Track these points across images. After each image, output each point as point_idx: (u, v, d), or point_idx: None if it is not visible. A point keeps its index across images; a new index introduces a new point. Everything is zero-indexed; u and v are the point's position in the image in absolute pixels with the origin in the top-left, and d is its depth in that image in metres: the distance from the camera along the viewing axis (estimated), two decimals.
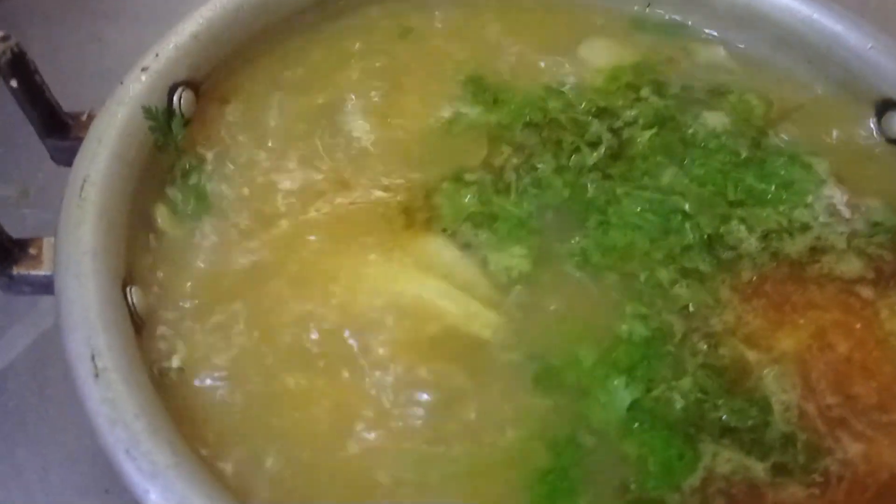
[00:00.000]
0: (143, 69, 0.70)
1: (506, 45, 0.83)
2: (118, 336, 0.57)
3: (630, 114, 0.76)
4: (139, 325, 0.61)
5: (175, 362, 0.61)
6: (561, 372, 0.61)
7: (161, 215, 0.68)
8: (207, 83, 0.74)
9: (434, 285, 0.66)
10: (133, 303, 0.60)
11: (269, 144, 0.74)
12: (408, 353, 0.62)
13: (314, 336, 0.63)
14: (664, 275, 0.66)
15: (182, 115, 0.71)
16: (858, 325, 0.65)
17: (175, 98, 0.71)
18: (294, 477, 0.56)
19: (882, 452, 0.59)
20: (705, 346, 0.62)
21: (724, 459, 0.57)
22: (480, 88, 0.78)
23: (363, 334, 0.63)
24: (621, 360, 0.60)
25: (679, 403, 0.58)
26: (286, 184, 0.72)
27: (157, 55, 0.71)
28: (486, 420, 0.59)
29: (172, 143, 0.70)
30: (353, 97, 0.78)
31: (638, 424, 0.57)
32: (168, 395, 0.59)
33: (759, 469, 0.57)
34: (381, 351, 0.62)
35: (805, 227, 0.70)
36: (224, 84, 0.76)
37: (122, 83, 0.69)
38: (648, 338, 0.61)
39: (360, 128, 0.76)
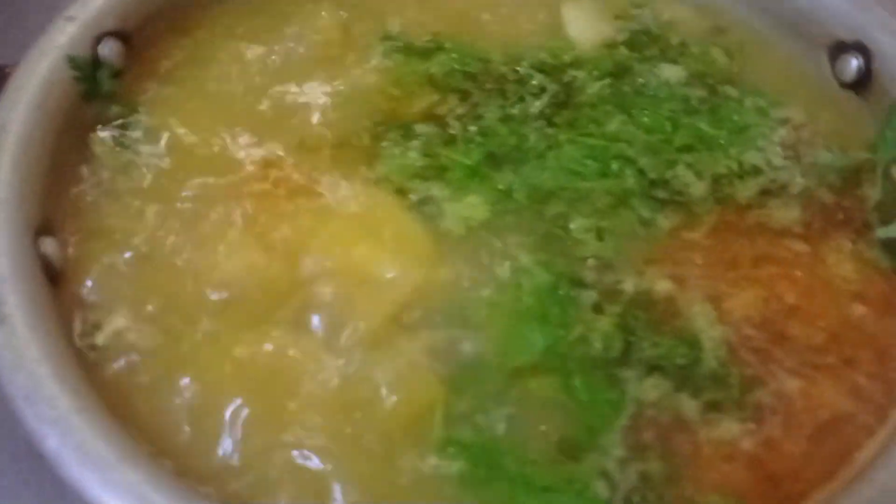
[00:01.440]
0: (69, 18, 0.68)
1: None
2: (25, 285, 0.55)
3: (578, 74, 0.73)
4: (55, 276, 0.59)
5: (106, 328, 0.59)
6: (480, 323, 0.59)
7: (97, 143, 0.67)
8: (140, 34, 0.72)
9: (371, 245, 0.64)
10: (47, 253, 0.58)
11: (205, 98, 0.71)
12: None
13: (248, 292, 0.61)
14: (593, 220, 0.64)
15: (110, 66, 0.69)
16: (804, 272, 0.62)
17: (102, 48, 0.68)
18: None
19: (823, 392, 0.57)
20: (631, 288, 0.60)
21: (653, 395, 0.55)
22: (417, 38, 0.75)
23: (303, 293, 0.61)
24: (533, 305, 0.58)
25: (598, 344, 0.56)
26: (221, 139, 0.69)
27: (84, 4, 0.69)
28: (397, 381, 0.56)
29: (99, 93, 0.68)
30: (298, 51, 0.75)
31: (551, 370, 0.55)
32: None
33: (691, 406, 0.55)
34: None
35: (756, 171, 0.68)
36: (159, 35, 0.73)
37: (45, 32, 0.67)
38: (553, 282, 0.59)
39: (302, 83, 0.73)
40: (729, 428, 0.54)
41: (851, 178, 0.68)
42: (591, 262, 0.61)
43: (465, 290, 0.60)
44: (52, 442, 0.48)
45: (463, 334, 0.58)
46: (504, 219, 0.64)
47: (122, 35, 0.70)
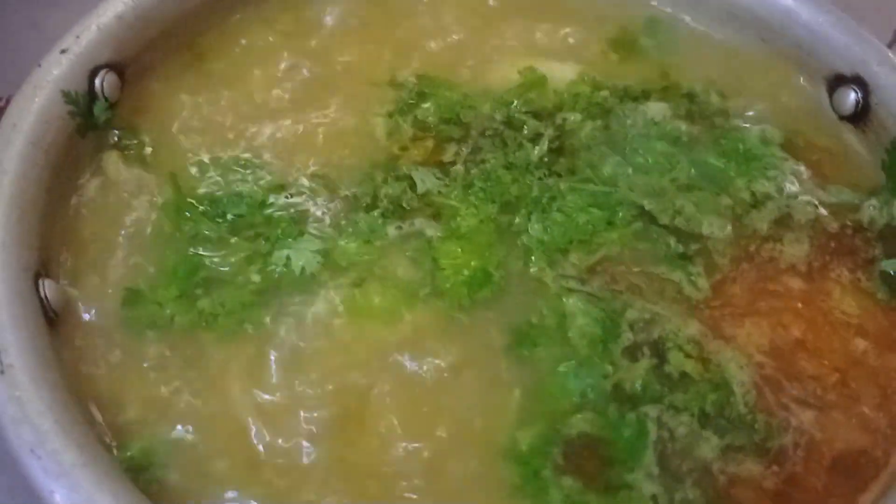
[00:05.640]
0: (63, 51, 0.66)
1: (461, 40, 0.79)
2: (27, 332, 0.53)
3: (571, 117, 0.73)
4: (53, 319, 0.57)
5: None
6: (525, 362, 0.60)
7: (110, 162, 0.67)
8: (135, 65, 0.71)
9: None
10: (46, 296, 0.57)
11: (203, 128, 0.70)
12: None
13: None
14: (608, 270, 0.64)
15: (105, 99, 0.67)
16: (810, 307, 0.64)
17: (97, 81, 0.67)
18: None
19: (837, 424, 0.58)
20: (667, 337, 0.61)
21: (681, 431, 0.57)
22: (413, 88, 0.74)
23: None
24: (575, 351, 0.59)
25: (636, 385, 0.58)
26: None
27: (77, 37, 0.67)
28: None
29: (95, 126, 0.67)
30: (283, 90, 0.74)
31: (590, 409, 0.57)
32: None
33: (716, 444, 0.56)
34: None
35: (768, 198, 0.68)
36: (154, 65, 0.72)
37: (39, 66, 0.66)
38: (600, 326, 0.60)
39: (300, 120, 0.72)
40: (751, 468, 0.56)
41: (855, 210, 0.69)
42: (628, 313, 0.62)
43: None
44: (59, 498, 0.47)
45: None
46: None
47: (116, 67, 0.69)
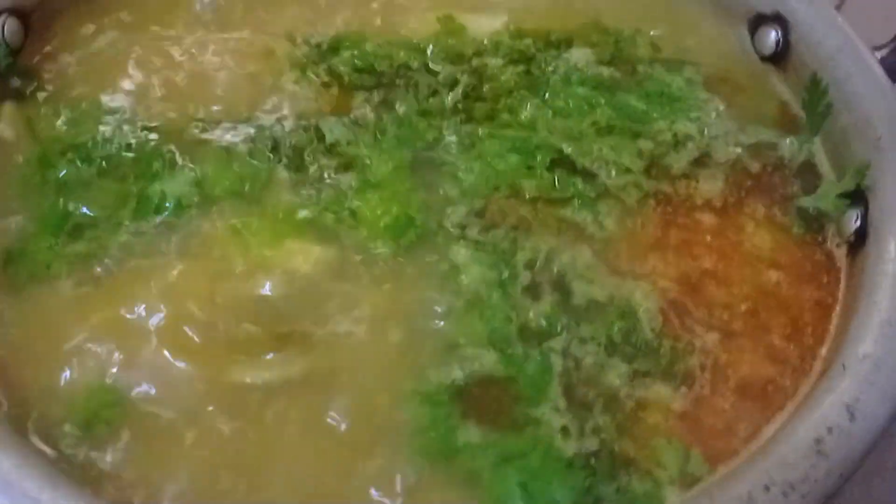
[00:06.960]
0: None
1: None
2: None
3: (491, 62, 0.72)
4: None
5: None
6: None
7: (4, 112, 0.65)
8: (39, 12, 0.69)
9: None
10: None
11: (92, 77, 0.69)
12: None
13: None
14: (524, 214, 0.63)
15: (7, 45, 0.66)
16: (721, 240, 0.63)
17: None
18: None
19: (744, 350, 0.58)
20: (559, 272, 0.60)
21: (588, 360, 0.57)
22: (324, 42, 0.72)
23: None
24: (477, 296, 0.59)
25: (541, 322, 0.58)
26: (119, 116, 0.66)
27: None
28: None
29: None
30: (186, 38, 0.72)
31: (496, 351, 0.56)
32: None
33: (623, 370, 0.56)
34: None
35: (689, 138, 0.68)
36: (58, 13, 0.70)
37: None
38: (493, 275, 0.60)
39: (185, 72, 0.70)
40: (659, 391, 0.56)
41: (774, 148, 0.69)
42: (520, 254, 0.61)
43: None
44: None
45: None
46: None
47: (19, 12, 0.67)
